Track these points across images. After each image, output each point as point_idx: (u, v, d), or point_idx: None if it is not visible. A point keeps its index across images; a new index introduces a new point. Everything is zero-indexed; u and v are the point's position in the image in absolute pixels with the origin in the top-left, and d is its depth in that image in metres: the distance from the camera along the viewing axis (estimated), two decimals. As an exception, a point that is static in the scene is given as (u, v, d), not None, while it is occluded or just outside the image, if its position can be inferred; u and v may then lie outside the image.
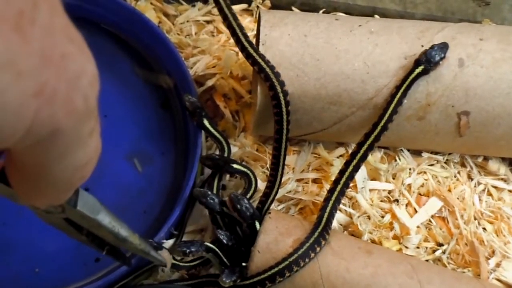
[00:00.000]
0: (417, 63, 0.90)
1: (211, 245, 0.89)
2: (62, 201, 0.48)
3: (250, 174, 0.99)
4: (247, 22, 1.20)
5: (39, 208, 0.62)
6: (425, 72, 0.90)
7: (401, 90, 0.90)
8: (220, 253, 0.89)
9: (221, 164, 0.96)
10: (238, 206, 0.87)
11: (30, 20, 0.32)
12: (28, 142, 0.36)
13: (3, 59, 0.30)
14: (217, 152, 1.01)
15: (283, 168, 0.97)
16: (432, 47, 0.90)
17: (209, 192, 0.91)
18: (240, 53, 1.11)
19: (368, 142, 0.89)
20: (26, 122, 0.33)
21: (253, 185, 0.98)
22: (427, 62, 0.89)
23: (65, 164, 0.41)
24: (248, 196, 0.96)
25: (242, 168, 0.98)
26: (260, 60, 0.92)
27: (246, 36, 0.94)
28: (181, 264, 0.91)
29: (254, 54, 0.92)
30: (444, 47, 0.90)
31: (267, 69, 0.91)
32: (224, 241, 0.88)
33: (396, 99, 0.90)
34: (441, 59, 0.90)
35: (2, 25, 0.30)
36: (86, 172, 0.44)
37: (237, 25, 0.95)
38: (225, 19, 0.96)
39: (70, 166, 0.41)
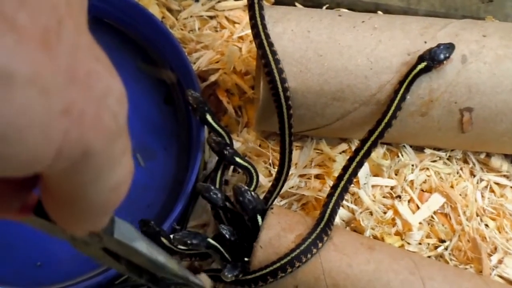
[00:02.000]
0: (420, 59, 0.90)
1: (213, 242, 0.88)
2: (100, 226, 0.47)
3: (252, 169, 0.99)
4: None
5: (77, 239, 0.61)
6: (427, 69, 0.90)
7: (404, 86, 0.90)
8: (222, 250, 0.89)
9: (226, 152, 0.96)
10: (241, 198, 0.87)
11: (56, 37, 0.32)
12: (60, 165, 0.34)
13: (28, 75, 0.30)
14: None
15: (289, 166, 0.97)
16: (438, 46, 0.90)
17: (212, 187, 0.91)
18: (243, 49, 1.11)
19: (372, 138, 0.89)
20: (56, 143, 0.32)
21: (254, 181, 0.98)
22: (430, 59, 0.89)
23: (100, 186, 0.39)
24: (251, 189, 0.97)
25: (244, 163, 0.98)
26: (272, 61, 0.92)
27: (264, 27, 0.94)
28: (175, 248, 0.90)
29: (269, 54, 0.92)
30: (450, 47, 0.90)
31: (274, 71, 0.91)
32: (227, 236, 0.88)
33: (399, 95, 0.90)
34: (445, 58, 0.89)
35: (27, 40, 0.30)
36: (122, 193, 0.43)
37: (259, 14, 0.94)
38: (250, 2, 0.95)
39: (106, 188, 0.40)
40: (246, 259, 0.86)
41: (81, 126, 0.33)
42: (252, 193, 0.89)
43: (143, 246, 0.63)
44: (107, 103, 0.35)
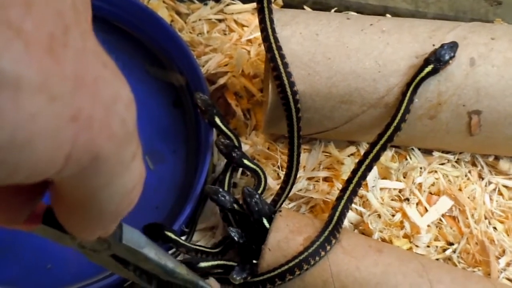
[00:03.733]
0: (426, 62, 0.90)
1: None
2: (111, 231, 0.47)
3: (260, 172, 0.99)
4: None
5: (86, 247, 0.61)
6: (434, 71, 0.90)
7: (411, 89, 0.90)
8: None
9: (234, 155, 0.96)
10: (248, 199, 0.87)
11: (62, 43, 0.32)
12: (70, 171, 0.35)
13: (37, 82, 0.30)
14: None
15: (297, 169, 0.97)
16: (442, 46, 0.90)
17: (221, 189, 0.91)
18: (251, 52, 1.11)
19: (381, 142, 0.89)
20: (65, 149, 0.33)
21: (263, 183, 0.99)
22: (436, 61, 0.89)
23: (111, 192, 0.39)
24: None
25: (253, 166, 0.98)
26: (280, 65, 0.92)
27: (274, 31, 0.94)
28: (181, 241, 0.91)
29: (278, 58, 0.92)
30: (454, 46, 0.90)
31: (283, 75, 0.91)
32: (236, 238, 0.88)
33: (407, 98, 0.90)
34: (451, 58, 0.89)
35: (34, 47, 0.30)
36: (133, 198, 0.43)
37: (269, 18, 0.94)
38: (260, 6, 0.95)
39: (117, 193, 0.40)
40: (254, 261, 0.86)
41: (90, 131, 0.33)
42: (260, 196, 0.89)
43: (151, 252, 0.64)
44: (116, 109, 0.36)
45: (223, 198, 0.91)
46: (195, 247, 0.92)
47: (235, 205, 0.91)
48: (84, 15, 0.36)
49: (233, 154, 0.96)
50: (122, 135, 0.36)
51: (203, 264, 0.89)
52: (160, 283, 0.73)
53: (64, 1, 0.33)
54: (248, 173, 1.03)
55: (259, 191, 0.97)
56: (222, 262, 0.91)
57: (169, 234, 0.89)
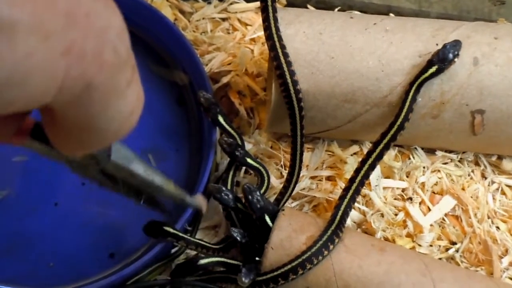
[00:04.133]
0: (430, 63, 0.90)
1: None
2: (110, 143, 0.49)
3: (263, 170, 0.99)
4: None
5: (74, 162, 0.63)
6: (438, 72, 0.90)
7: (414, 88, 0.90)
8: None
9: (237, 153, 0.96)
10: (250, 197, 0.87)
11: None
12: (64, 99, 0.36)
13: (30, 23, 0.31)
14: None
15: (300, 168, 0.97)
16: (444, 46, 0.90)
17: (223, 188, 0.92)
18: (255, 51, 1.12)
19: (385, 141, 0.89)
20: (57, 81, 0.34)
21: (266, 182, 0.99)
22: (440, 61, 0.89)
23: (107, 118, 0.41)
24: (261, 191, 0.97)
25: (255, 164, 0.98)
26: (284, 64, 0.92)
27: (277, 30, 0.94)
28: (180, 234, 0.91)
29: (281, 56, 0.92)
30: (456, 44, 0.90)
31: (286, 74, 0.91)
32: (238, 238, 0.88)
33: (410, 97, 0.90)
34: (455, 56, 0.89)
35: None
36: (132, 121, 0.45)
37: (273, 16, 0.94)
38: (263, 5, 0.95)
39: (113, 119, 0.42)
40: (257, 258, 0.86)
41: (81, 63, 0.35)
42: (261, 193, 0.89)
43: (139, 168, 0.67)
44: (107, 39, 0.37)
45: (226, 197, 0.91)
46: (194, 240, 0.92)
47: (238, 204, 0.91)
48: None
49: (236, 153, 0.96)
50: (114, 64, 0.38)
51: (202, 261, 0.89)
52: (149, 199, 0.77)
53: None
54: (251, 172, 1.03)
55: (262, 190, 0.97)
56: (222, 259, 0.91)
57: (168, 228, 0.89)
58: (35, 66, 0.33)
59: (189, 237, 0.91)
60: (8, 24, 0.30)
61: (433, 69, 0.89)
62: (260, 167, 0.99)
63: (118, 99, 0.41)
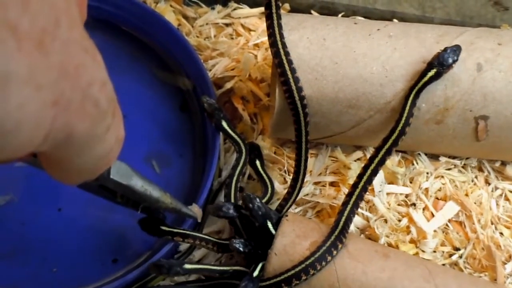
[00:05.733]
0: (429, 66, 0.90)
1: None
2: (93, 178, 0.51)
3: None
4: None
5: None
6: (437, 75, 0.90)
7: (413, 93, 0.90)
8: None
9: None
10: (250, 205, 0.87)
11: (52, 36, 0.34)
12: (47, 146, 0.38)
13: (25, 75, 0.32)
14: (235, 155, 1.00)
15: (304, 174, 0.97)
16: (445, 50, 0.90)
17: (220, 204, 0.91)
18: (258, 56, 1.12)
19: (386, 146, 0.89)
20: (45, 130, 0.36)
21: (269, 191, 0.99)
22: (439, 65, 0.89)
23: (85, 158, 0.44)
24: (264, 200, 0.96)
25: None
26: (288, 71, 0.92)
27: (282, 37, 0.94)
28: (176, 230, 0.91)
29: (285, 63, 0.92)
30: (457, 49, 0.90)
31: (291, 81, 0.91)
32: (240, 249, 0.88)
33: (409, 102, 0.90)
34: (454, 61, 0.89)
35: (25, 43, 0.32)
36: (109, 159, 0.48)
37: (277, 23, 0.94)
38: (268, 12, 0.96)
39: (91, 159, 0.45)
40: (261, 264, 0.86)
41: (67, 114, 0.37)
42: (260, 200, 0.89)
43: (138, 184, 0.73)
44: (90, 92, 0.39)
45: (226, 210, 0.90)
46: (192, 233, 0.91)
47: (242, 210, 0.91)
48: (73, 1, 0.39)
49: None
50: (95, 115, 0.40)
51: (188, 266, 0.88)
52: (146, 208, 0.82)
53: None
54: (256, 178, 1.03)
55: (266, 199, 0.97)
56: (209, 267, 0.91)
57: (164, 227, 0.89)
58: (26, 116, 0.34)
59: (183, 231, 0.90)
60: (3, 75, 0.31)
61: (432, 72, 0.89)
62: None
63: (96, 144, 0.43)
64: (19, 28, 0.32)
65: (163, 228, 0.88)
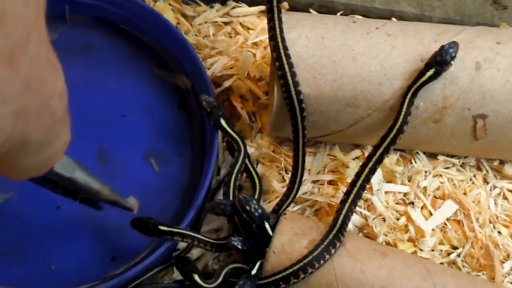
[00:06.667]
0: (427, 66, 0.90)
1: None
2: (39, 175, 0.54)
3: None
4: (265, 23, 1.20)
5: None
6: (436, 75, 0.90)
7: (411, 92, 0.90)
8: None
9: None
10: (247, 207, 0.87)
11: (22, 51, 0.35)
12: (1, 150, 0.39)
13: None
14: (235, 154, 1.00)
15: (302, 173, 0.97)
16: (442, 48, 0.90)
17: (217, 201, 0.91)
18: (257, 55, 1.12)
19: (384, 145, 0.89)
20: (3, 138, 0.37)
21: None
22: (437, 64, 0.89)
23: (33, 160, 0.46)
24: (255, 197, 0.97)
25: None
26: (286, 65, 0.92)
27: (282, 31, 0.94)
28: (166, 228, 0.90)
29: (283, 57, 0.92)
30: (454, 46, 0.90)
31: (288, 75, 0.92)
32: (239, 246, 0.88)
33: (407, 100, 0.90)
34: (452, 59, 0.89)
35: None
36: (56, 159, 0.51)
37: (278, 17, 0.94)
38: (269, 6, 0.96)
39: (39, 160, 0.47)
40: (259, 262, 0.86)
41: (26, 124, 0.38)
42: (257, 201, 0.89)
43: (79, 176, 0.77)
44: (49, 104, 0.41)
45: (223, 207, 0.90)
46: (190, 233, 0.91)
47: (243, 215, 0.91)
48: (42, 11, 0.39)
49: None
50: (50, 125, 0.42)
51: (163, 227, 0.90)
52: (84, 198, 0.85)
53: (28, 4, 0.36)
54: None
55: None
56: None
57: (163, 228, 0.89)
58: None
59: (170, 229, 0.90)
60: None
61: (431, 72, 0.89)
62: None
63: (46, 148, 0.45)
64: None
65: (162, 228, 0.89)
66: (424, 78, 0.89)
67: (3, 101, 0.34)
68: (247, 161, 0.99)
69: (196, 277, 0.88)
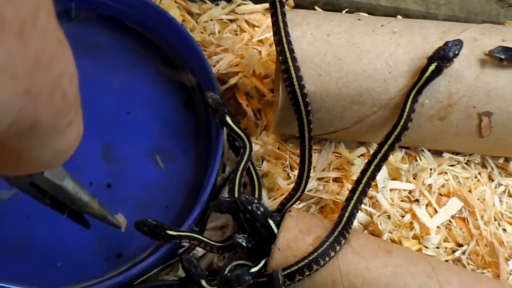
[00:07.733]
0: (430, 60, 0.90)
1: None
2: (46, 170, 0.52)
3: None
4: (270, 21, 1.20)
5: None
6: (438, 70, 0.89)
7: (416, 88, 0.90)
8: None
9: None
10: (249, 207, 0.87)
11: (31, 26, 0.34)
12: (10, 133, 0.38)
13: (3, 64, 0.32)
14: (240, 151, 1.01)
15: (308, 171, 0.97)
16: (446, 44, 0.90)
17: (221, 199, 0.92)
18: (263, 52, 1.12)
19: (389, 142, 0.89)
20: (12, 117, 0.36)
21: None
22: (440, 59, 0.89)
23: (44, 150, 0.44)
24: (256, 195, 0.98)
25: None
26: (290, 61, 0.92)
27: (287, 34, 0.94)
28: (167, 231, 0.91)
29: (287, 51, 0.92)
30: (458, 44, 0.89)
31: (292, 71, 0.92)
32: (244, 244, 0.88)
33: (411, 97, 0.90)
34: (455, 55, 0.89)
35: (7, 32, 0.32)
36: (65, 156, 0.49)
37: (282, 21, 0.94)
38: (273, 11, 0.96)
39: (50, 152, 0.45)
40: (264, 260, 0.86)
41: (35, 103, 0.37)
42: (258, 200, 0.89)
43: (69, 185, 0.74)
44: (60, 84, 0.39)
45: (228, 205, 0.91)
46: (198, 237, 0.92)
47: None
48: None
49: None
50: (61, 107, 0.41)
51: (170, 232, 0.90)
52: (72, 212, 0.83)
53: None
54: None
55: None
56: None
57: (171, 232, 0.89)
58: None
59: (171, 232, 0.91)
60: None
61: (433, 66, 0.89)
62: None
63: (57, 137, 0.44)
64: (3, 17, 0.32)
65: (170, 232, 0.89)
66: (427, 74, 0.89)
67: (13, 77, 0.33)
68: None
69: (203, 282, 0.88)
